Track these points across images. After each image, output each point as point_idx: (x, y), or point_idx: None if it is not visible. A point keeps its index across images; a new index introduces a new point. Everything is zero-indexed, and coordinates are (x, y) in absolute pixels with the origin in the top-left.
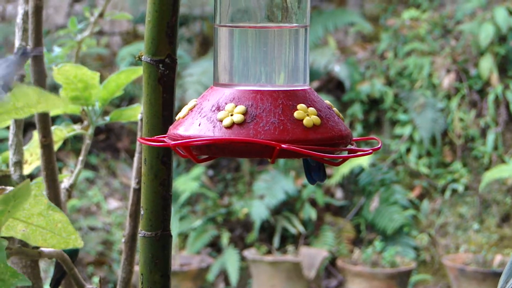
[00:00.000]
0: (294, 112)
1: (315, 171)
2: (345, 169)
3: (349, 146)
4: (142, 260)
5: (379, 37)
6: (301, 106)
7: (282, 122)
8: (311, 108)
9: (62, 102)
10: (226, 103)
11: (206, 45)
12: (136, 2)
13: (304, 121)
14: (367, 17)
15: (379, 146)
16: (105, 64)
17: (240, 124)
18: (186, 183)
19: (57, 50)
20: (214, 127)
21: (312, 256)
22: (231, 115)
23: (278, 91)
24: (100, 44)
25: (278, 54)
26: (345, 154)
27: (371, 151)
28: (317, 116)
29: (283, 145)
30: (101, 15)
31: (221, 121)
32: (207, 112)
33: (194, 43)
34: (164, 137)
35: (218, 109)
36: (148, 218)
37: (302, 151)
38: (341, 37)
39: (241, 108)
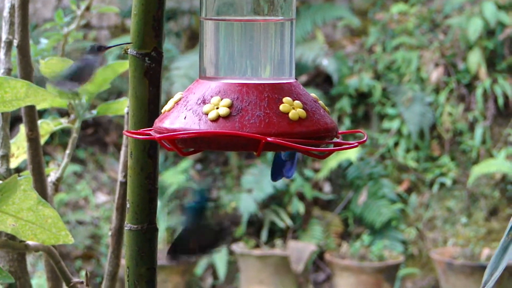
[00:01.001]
0: (279, 105)
1: (287, 167)
2: (333, 163)
3: (335, 139)
4: (128, 254)
5: (368, 31)
6: (286, 99)
7: (267, 115)
8: (296, 101)
9: (51, 95)
10: (211, 96)
11: (194, 39)
12: None
13: (290, 114)
14: (356, 11)
15: (364, 139)
16: None
17: (226, 117)
18: (173, 176)
19: (43, 42)
20: (199, 120)
21: (300, 250)
22: (217, 108)
23: (263, 84)
24: (88, 38)
25: (264, 47)
26: (331, 147)
27: (356, 144)
28: (303, 109)
29: (268, 138)
30: (87, 8)
31: (206, 114)
32: (192, 105)
33: (182, 37)
34: (150, 130)
35: (204, 102)
36: (134, 211)
37: (287, 144)
38: (329, 31)
39: (227, 101)
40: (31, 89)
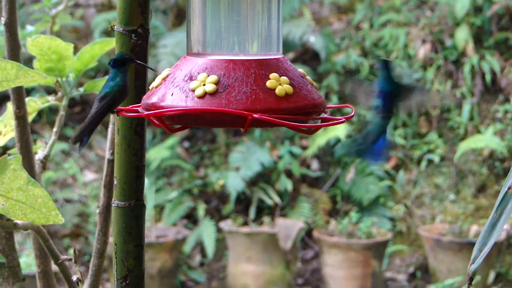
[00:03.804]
0: (266, 81)
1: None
2: (321, 140)
3: (323, 115)
4: (116, 230)
5: (355, 8)
6: (273, 75)
7: (254, 92)
8: (283, 77)
9: (41, 77)
10: (198, 73)
11: (181, 16)
12: None
13: (277, 90)
14: None
15: (352, 114)
16: (80, 36)
17: (212, 94)
18: (158, 152)
19: (29, 28)
20: (186, 97)
21: (288, 227)
22: (204, 85)
23: (250, 60)
24: (75, 17)
25: (251, 23)
26: (318, 123)
27: (344, 119)
28: (290, 85)
29: (254, 115)
30: None
31: (193, 91)
32: (179, 82)
33: (169, 15)
34: (137, 107)
35: (191, 78)
36: (122, 188)
37: (274, 121)
38: (316, 8)
39: (213, 77)
40: (21, 71)
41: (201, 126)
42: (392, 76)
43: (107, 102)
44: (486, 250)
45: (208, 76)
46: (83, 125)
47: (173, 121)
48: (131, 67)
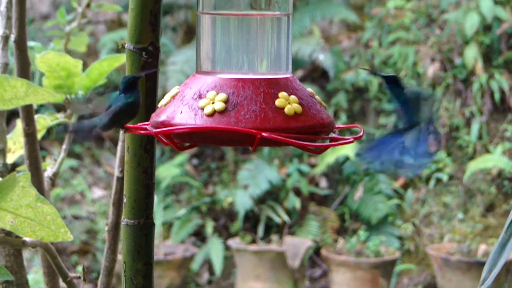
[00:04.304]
0: (275, 100)
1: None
2: (330, 158)
3: (332, 135)
4: (125, 249)
5: (364, 26)
6: (282, 94)
7: (263, 110)
8: (292, 96)
9: (50, 95)
10: (207, 91)
11: (190, 33)
12: None
13: (286, 109)
14: (352, 5)
15: (361, 134)
16: (90, 53)
17: (222, 112)
18: (168, 170)
19: (51, 45)
20: (195, 115)
21: (297, 245)
22: (213, 103)
23: (259, 79)
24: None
25: (261, 42)
26: (327, 142)
27: (352, 139)
28: (299, 104)
29: (263, 134)
30: (88, 5)
31: (202, 109)
32: (189, 100)
33: (179, 32)
34: (146, 124)
35: (200, 97)
36: (131, 206)
37: (282, 140)
38: (326, 26)
39: (223, 96)
40: (31, 88)
41: (210, 144)
42: (402, 89)
43: (121, 109)
44: (496, 271)
45: (218, 94)
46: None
47: (182, 139)
48: (142, 85)
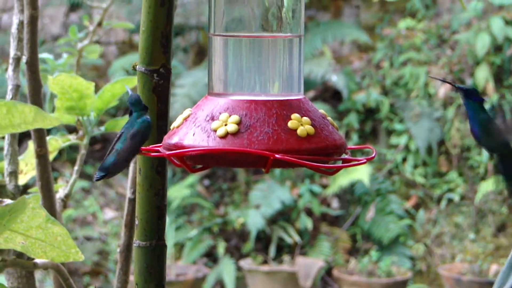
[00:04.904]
0: (288, 121)
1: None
2: (342, 179)
3: (344, 156)
4: (137, 270)
5: (375, 46)
6: (295, 115)
7: (276, 132)
8: (305, 118)
9: (58, 121)
10: (220, 113)
11: (201, 54)
12: (132, 11)
13: (298, 131)
14: (363, 26)
15: (373, 155)
16: (101, 74)
17: (234, 134)
18: (179, 191)
19: (64, 56)
20: (208, 137)
21: (308, 266)
22: (225, 125)
23: (272, 100)
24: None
25: (273, 64)
26: (339, 163)
27: (365, 160)
28: (311, 125)
29: (276, 155)
30: (99, 24)
31: (215, 131)
32: (201, 122)
33: (190, 53)
34: (158, 146)
35: (212, 119)
36: (143, 228)
37: (295, 161)
38: (337, 47)
39: (235, 118)
40: (39, 114)
41: (223, 166)
42: (480, 103)
43: (139, 139)
44: None
45: (230, 116)
46: (115, 160)
47: (195, 161)
48: (153, 107)
